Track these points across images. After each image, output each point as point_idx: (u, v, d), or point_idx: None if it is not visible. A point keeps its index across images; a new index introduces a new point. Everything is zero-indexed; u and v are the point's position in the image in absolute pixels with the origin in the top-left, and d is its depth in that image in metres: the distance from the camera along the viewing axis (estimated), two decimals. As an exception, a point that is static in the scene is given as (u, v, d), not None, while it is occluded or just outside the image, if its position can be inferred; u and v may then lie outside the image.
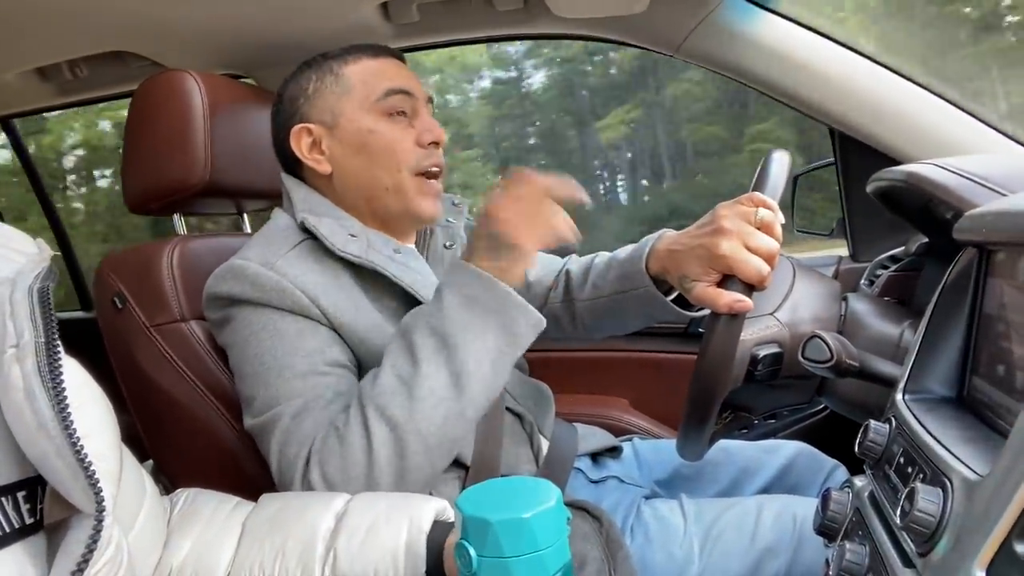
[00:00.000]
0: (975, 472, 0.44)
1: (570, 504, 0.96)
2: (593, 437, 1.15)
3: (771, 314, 0.92)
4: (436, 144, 0.97)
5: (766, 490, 1.10)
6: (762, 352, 0.89)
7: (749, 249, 0.79)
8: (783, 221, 0.82)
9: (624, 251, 1.01)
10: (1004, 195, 0.69)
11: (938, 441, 0.50)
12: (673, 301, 0.93)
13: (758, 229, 0.80)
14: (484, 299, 0.78)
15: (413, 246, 1.03)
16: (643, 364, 1.53)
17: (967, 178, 0.74)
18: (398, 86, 0.95)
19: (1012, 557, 0.38)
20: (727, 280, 0.80)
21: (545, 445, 1.04)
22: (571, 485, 1.06)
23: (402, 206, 0.96)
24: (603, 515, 0.92)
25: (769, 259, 0.79)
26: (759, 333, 0.90)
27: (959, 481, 0.44)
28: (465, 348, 0.77)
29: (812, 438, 1.25)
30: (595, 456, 1.13)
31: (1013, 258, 0.55)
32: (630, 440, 1.22)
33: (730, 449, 1.16)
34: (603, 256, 1.08)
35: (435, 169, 0.97)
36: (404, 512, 0.66)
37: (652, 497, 1.06)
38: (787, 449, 1.15)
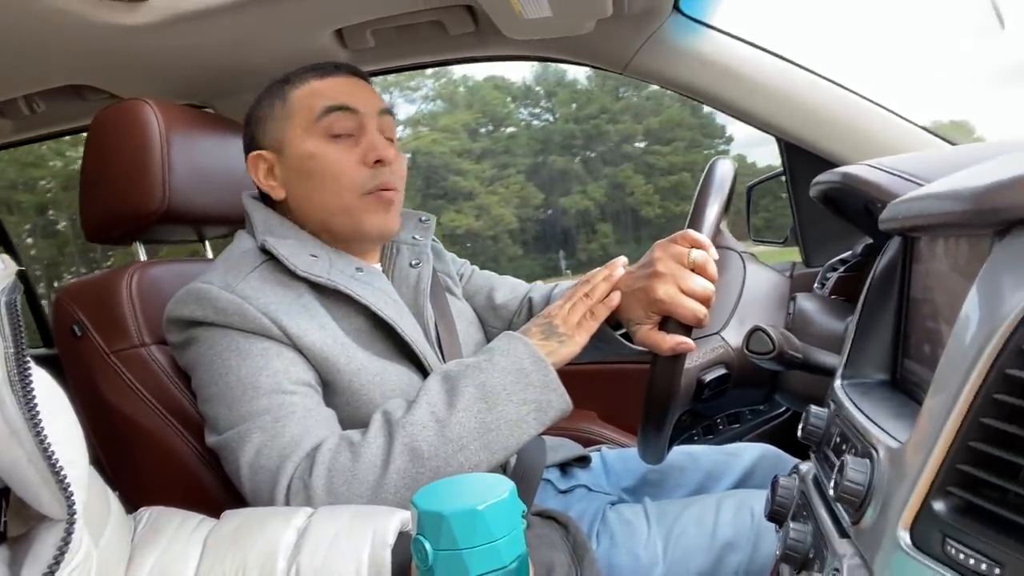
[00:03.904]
0: (897, 440, 0.46)
1: (538, 513, 0.97)
2: (562, 448, 1.16)
3: (717, 333, 0.94)
4: (382, 162, 0.94)
5: None
6: (708, 377, 0.91)
7: (684, 291, 0.83)
8: (716, 257, 0.86)
9: None
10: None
11: (868, 418, 0.53)
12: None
13: (692, 270, 0.84)
14: (533, 375, 0.83)
15: (377, 265, 1.04)
16: (611, 376, 1.55)
17: (896, 175, 0.78)
18: (336, 103, 0.94)
19: (931, 515, 0.41)
20: (667, 321, 0.84)
21: (513, 457, 1.05)
22: (540, 496, 1.07)
23: (353, 227, 0.95)
24: (570, 522, 0.93)
25: (704, 300, 0.83)
26: (705, 357, 0.92)
27: (884, 450, 0.47)
28: (502, 409, 0.80)
29: (776, 439, 1.28)
30: (564, 467, 1.15)
31: (932, 243, 0.58)
32: (598, 450, 1.24)
33: (695, 454, 1.19)
34: (562, 287, 1.13)
35: (384, 189, 0.95)
36: (368, 525, 0.66)
37: (618, 503, 1.07)
38: (751, 451, 1.17)
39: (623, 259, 0.95)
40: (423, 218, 1.11)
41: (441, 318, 1.04)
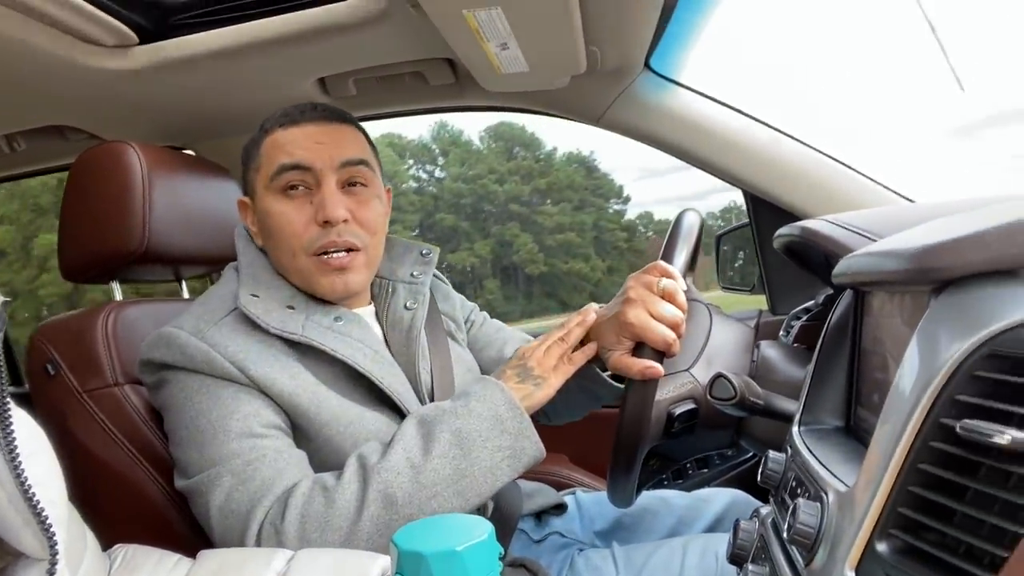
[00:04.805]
0: (846, 484, 0.49)
1: (509, 563, 0.97)
2: (538, 494, 1.16)
3: (686, 370, 0.98)
4: (329, 223, 0.90)
5: None
6: (678, 410, 0.94)
7: (654, 316, 0.86)
8: (685, 288, 0.89)
9: None
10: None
11: (821, 463, 0.55)
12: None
13: (662, 298, 0.87)
14: (508, 422, 0.84)
15: (360, 311, 1.00)
16: (582, 419, 1.56)
17: (851, 230, 0.82)
18: (291, 161, 0.91)
19: (875, 556, 0.43)
20: (639, 348, 0.87)
21: (491, 505, 1.04)
22: (514, 547, 1.06)
23: (307, 287, 0.94)
24: (540, 570, 0.94)
25: (673, 326, 0.86)
26: (675, 392, 0.95)
27: (833, 494, 0.49)
28: (477, 455, 0.81)
29: (745, 484, 1.30)
30: (538, 514, 1.15)
31: (881, 297, 0.62)
32: (573, 493, 1.24)
33: (668, 499, 1.20)
34: None
35: (332, 249, 0.92)
36: (348, 571, 0.66)
37: (587, 549, 1.08)
38: (722, 497, 1.19)
39: (594, 305, 0.97)
40: (424, 251, 1.08)
41: (437, 364, 1.02)
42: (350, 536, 0.77)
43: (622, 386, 0.96)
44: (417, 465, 0.79)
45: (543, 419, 1.13)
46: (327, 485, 0.79)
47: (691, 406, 0.95)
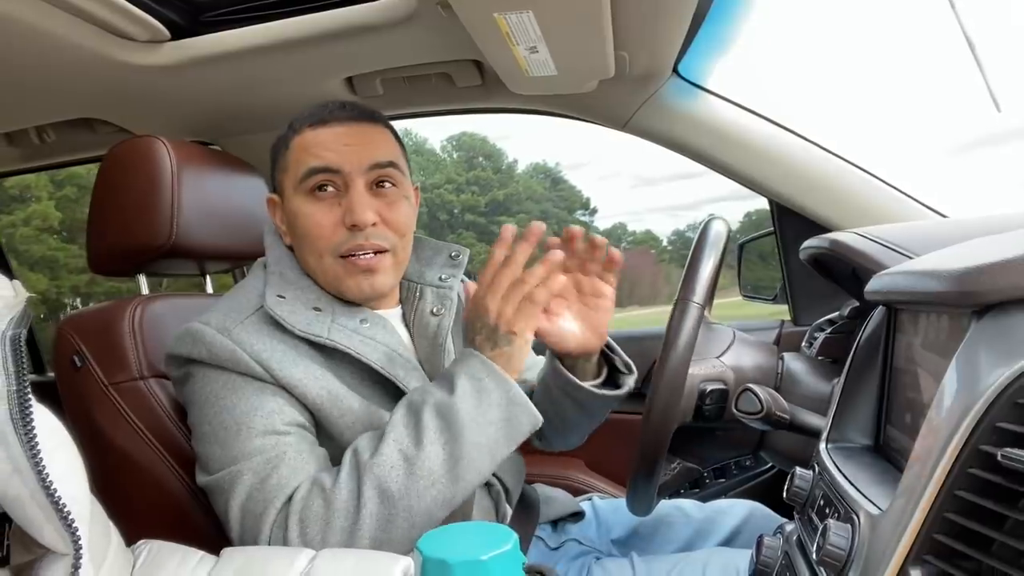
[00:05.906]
0: (878, 507, 0.48)
1: (527, 570, 0.96)
2: (556, 502, 1.15)
3: (717, 358, 0.98)
4: (357, 226, 0.90)
5: None
6: (709, 387, 0.96)
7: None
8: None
9: None
10: (913, 259, 0.76)
11: (851, 483, 0.55)
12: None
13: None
14: (494, 393, 0.80)
15: (387, 313, 0.99)
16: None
17: (883, 245, 0.81)
18: (319, 164, 0.91)
19: (909, 582, 0.42)
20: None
21: (509, 513, 1.04)
22: (530, 554, 1.06)
23: (335, 288, 0.94)
24: None
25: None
26: (707, 370, 0.97)
27: (864, 516, 0.49)
28: (468, 436, 0.78)
29: (764, 496, 1.29)
30: (555, 521, 1.15)
31: (915, 316, 0.61)
32: (590, 499, 1.24)
33: (685, 509, 1.19)
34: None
35: (359, 252, 0.91)
36: (370, 572, 0.66)
37: (604, 557, 1.07)
38: (740, 508, 1.18)
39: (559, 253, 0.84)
40: (453, 253, 1.05)
41: None
42: (352, 534, 0.77)
43: (605, 392, 0.95)
44: (410, 456, 0.77)
45: (537, 442, 1.09)
46: (325, 486, 0.79)
47: (722, 386, 0.96)
